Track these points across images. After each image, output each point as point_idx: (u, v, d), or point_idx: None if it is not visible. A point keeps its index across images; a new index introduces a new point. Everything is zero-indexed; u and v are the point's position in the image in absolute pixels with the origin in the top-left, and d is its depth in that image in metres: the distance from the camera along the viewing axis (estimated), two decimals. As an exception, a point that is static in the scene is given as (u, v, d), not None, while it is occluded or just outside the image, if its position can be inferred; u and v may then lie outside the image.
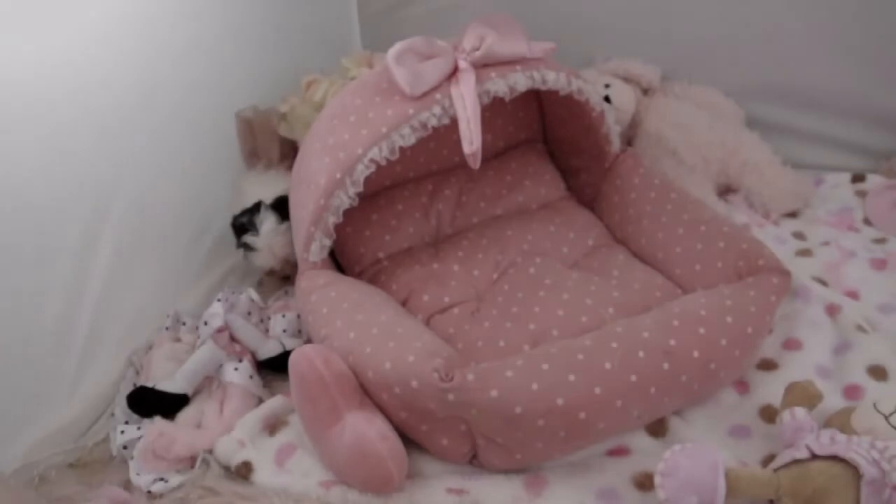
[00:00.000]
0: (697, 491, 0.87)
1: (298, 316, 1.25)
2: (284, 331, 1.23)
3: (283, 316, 1.25)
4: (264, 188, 1.36)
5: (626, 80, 1.58)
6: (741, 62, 1.57)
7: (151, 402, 1.11)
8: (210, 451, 1.04)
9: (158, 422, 1.09)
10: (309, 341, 1.18)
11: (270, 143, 1.41)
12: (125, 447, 1.08)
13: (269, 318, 1.26)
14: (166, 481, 1.01)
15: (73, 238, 1.13)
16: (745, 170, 1.49)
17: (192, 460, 1.04)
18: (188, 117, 1.33)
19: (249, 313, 1.24)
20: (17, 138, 1.03)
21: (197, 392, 1.14)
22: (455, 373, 0.92)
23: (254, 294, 1.30)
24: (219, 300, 1.20)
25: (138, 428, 1.09)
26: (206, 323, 1.17)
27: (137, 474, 1.03)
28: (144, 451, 1.04)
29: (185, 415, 1.11)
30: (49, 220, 1.09)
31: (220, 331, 1.16)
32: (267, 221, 1.31)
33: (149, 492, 1.01)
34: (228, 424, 1.07)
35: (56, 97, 1.09)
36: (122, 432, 1.09)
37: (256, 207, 1.33)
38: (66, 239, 1.12)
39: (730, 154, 1.50)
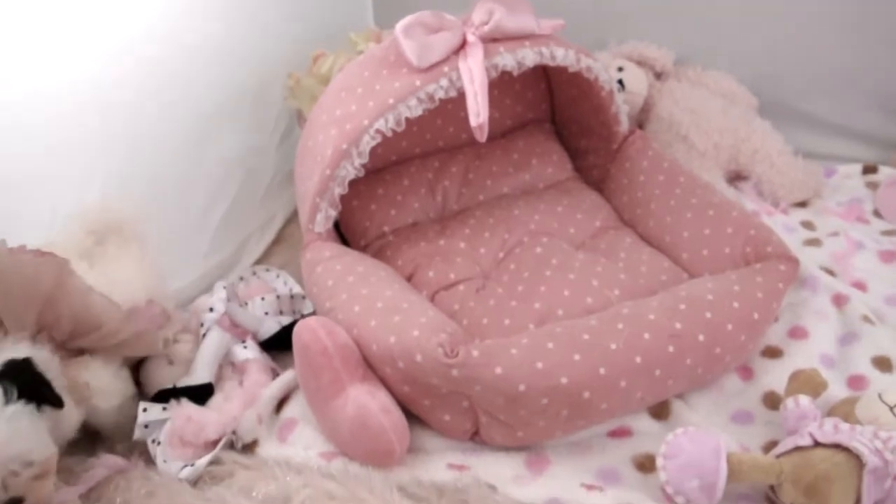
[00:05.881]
0: (699, 474, 0.87)
1: (278, 297, 1.23)
2: (266, 313, 1.21)
3: (263, 299, 1.23)
4: None
5: (640, 63, 1.57)
6: (755, 49, 1.56)
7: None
8: (234, 433, 1.02)
9: (185, 404, 1.03)
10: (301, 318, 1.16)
11: (22, 301, 0.94)
12: (146, 426, 1.03)
13: (246, 304, 1.22)
14: (193, 465, 0.98)
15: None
16: (755, 157, 1.48)
17: (215, 442, 1.02)
18: (194, 94, 1.30)
19: (229, 300, 1.21)
20: (22, 113, 1.03)
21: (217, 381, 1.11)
22: (460, 349, 0.91)
23: (241, 285, 1.28)
24: (224, 287, 1.19)
25: (164, 408, 1.03)
26: (211, 309, 1.15)
27: (164, 461, 1.00)
28: (171, 437, 1.01)
29: (212, 403, 1.07)
30: (52, 204, 1.08)
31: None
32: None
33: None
34: (251, 395, 1.06)
35: (58, 68, 1.08)
36: (145, 410, 1.03)
37: None
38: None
39: (741, 141, 1.49)
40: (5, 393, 0.85)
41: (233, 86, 1.39)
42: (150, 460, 1.01)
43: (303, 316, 1.18)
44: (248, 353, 1.13)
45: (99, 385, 1.00)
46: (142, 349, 1.06)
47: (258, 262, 1.40)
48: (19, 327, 0.94)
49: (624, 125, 1.34)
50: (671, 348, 0.96)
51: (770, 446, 0.97)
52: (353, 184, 1.14)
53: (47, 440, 0.89)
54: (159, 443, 1.02)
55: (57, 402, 0.91)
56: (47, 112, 1.07)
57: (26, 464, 0.85)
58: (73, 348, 0.98)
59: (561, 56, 1.15)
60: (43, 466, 0.87)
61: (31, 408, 0.87)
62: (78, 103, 1.10)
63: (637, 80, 1.54)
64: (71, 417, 0.94)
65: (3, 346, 0.91)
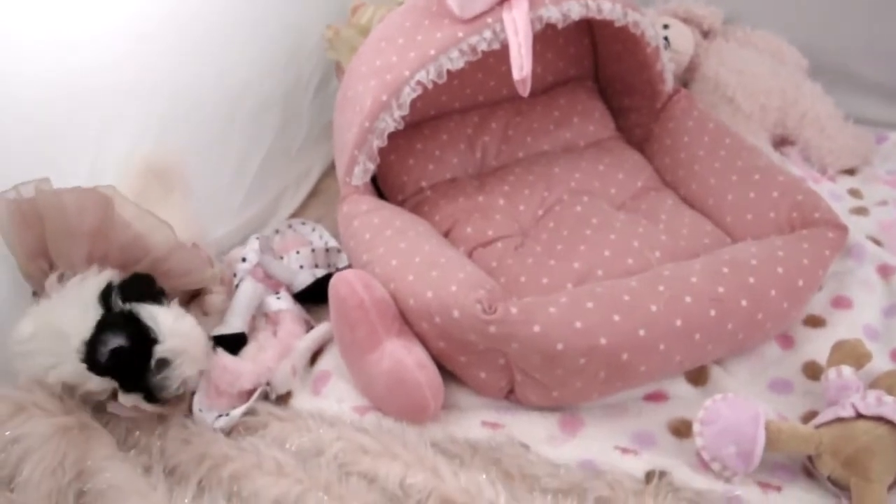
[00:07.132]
0: (736, 440, 0.87)
1: (313, 250, 1.23)
2: (301, 267, 1.21)
3: (298, 252, 1.22)
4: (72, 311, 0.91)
5: (686, 21, 1.53)
6: (807, 9, 1.52)
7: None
8: (268, 384, 1.03)
9: (221, 353, 1.04)
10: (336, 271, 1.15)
11: (69, 239, 0.94)
12: None
13: (281, 258, 1.22)
14: (228, 415, 0.99)
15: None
16: (804, 121, 1.44)
17: (249, 393, 1.02)
18: (231, 47, 1.28)
19: (263, 252, 1.20)
20: (60, 64, 1.02)
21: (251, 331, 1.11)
22: (498, 305, 0.90)
23: (277, 238, 1.27)
24: (257, 238, 1.19)
25: None
26: (244, 259, 1.15)
27: (200, 410, 1.00)
28: (207, 387, 1.01)
29: (246, 353, 1.07)
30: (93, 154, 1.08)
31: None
32: (166, 314, 0.94)
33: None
34: (285, 346, 1.06)
35: (96, 19, 1.07)
36: None
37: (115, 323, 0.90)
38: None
39: (789, 104, 1.44)
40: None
41: (270, 38, 1.37)
42: (188, 409, 1.01)
43: (337, 269, 1.17)
44: (282, 303, 1.13)
45: None
46: (191, 282, 1.08)
47: (294, 215, 1.39)
48: (70, 265, 0.95)
49: (669, 84, 1.31)
50: (713, 312, 0.94)
51: (808, 417, 0.96)
52: (391, 138, 1.12)
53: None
54: (194, 392, 1.02)
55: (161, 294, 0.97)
56: (84, 63, 1.06)
57: None
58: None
59: (607, 9, 1.13)
60: None
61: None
62: (115, 56, 1.10)
63: (683, 38, 1.50)
64: None
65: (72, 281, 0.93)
